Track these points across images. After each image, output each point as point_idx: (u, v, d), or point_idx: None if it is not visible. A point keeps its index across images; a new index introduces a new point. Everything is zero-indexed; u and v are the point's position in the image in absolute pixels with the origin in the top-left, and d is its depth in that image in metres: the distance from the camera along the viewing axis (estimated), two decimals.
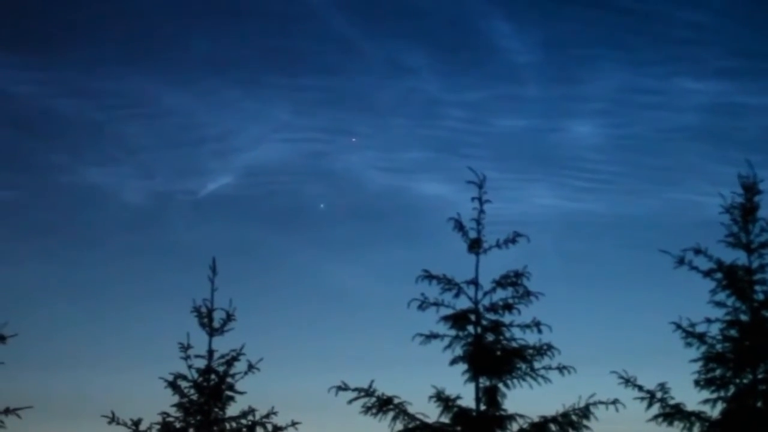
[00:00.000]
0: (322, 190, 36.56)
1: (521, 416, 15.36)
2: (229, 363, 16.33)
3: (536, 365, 15.43)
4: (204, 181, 36.30)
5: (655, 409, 15.92)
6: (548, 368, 15.39)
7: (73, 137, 36.83)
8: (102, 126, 36.47)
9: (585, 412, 15.24)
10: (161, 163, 36.83)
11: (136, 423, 15.90)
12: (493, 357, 15.46)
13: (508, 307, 15.58)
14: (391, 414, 15.35)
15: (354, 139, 36.42)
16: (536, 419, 15.32)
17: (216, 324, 16.53)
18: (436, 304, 15.59)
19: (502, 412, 15.38)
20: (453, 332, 15.60)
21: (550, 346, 15.39)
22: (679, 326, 16.09)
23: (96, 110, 36.30)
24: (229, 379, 16.31)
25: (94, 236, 35.46)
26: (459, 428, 15.31)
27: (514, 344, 15.52)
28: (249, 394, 16.39)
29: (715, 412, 15.83)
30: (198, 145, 37.05)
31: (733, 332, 15.99)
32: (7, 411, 15.88)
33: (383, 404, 15.37)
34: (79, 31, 35.98)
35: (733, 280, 16.03)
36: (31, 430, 16.56)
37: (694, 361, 15.98)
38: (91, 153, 37.05)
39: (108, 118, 36.31)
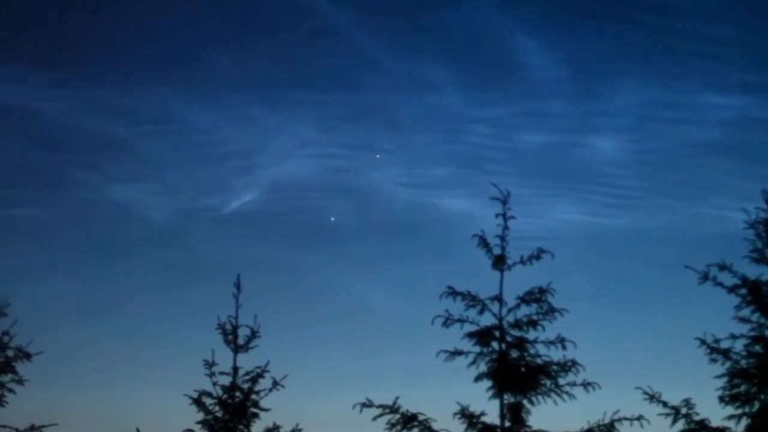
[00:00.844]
0: (346, 207, 36.67)
1: None
2: (254, 380, 16.42)
3: (561, 381, 15.44)
4: (228, 197, 36.42)
5: (680, 425, 15.85)
6: (573, 384, 15.39)
7: (97, 154, 37.16)
8: (126, 143, 36.87)
9: (610, 428, 15.21)
10: (185, 179, 37.06)
11: None
12: (517, 373, 15.48)
13: (533, 324, 15.60)
14: (415, 431, 15.36)
15: (378, 155, 36.55)
16: None
17: (241, 341, 16.63)
18: (460, 320, 15.64)
19: (527, 429, 15.39)
20: (477, 349, 15.64)
21: (574, 363, 15.39)
22: (703, 342, 16.08)
23: (120, 127, 36.71)
24: (253, 396, 16.39)
25: (119, 253, 35.62)
26: None
27: (538, 361, 15.54)
28: (274, 411, 16.50)
29: (740, 427, 15.77)
30: (222, 162, 37.27)
31: (757, 348, 15.96)
32: (32, 428, 16.24)
33: (408, 421, 15.40)
34: (103, 48, 36.42)
35: (758, 295, 16.03)
36: None
37: (719, 377, 15.94)
38: (116, 170, 37.30)
39: (132, 134, 36.66)
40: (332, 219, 35.92)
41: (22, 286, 29.39)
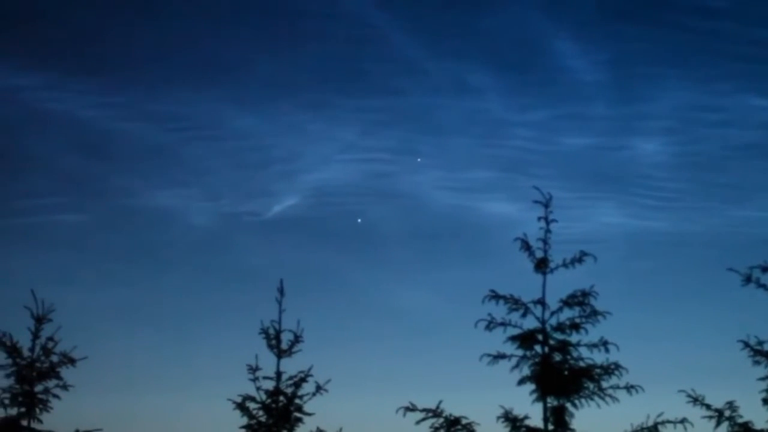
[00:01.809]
0: (388, 211, 36.84)
1: None
2: (297, 384, 16.49)
3: (604, 385, 15.46)
4: (270, 202, 36.57)
5: (724, 428, 15.81)
6: (616, 387, 15.40)
7: (140, 160, 37.35)
8: (169, 149, 37.18)
9: (653, 431, 15.25)
10: (227, 185, 37.34)
11: None
12: (560, 377, 15.54)
13: (576, 327, 15.66)
14: None
15: (419, 159, 36.71)
16: None
17: (284, 345, 16.70)
18: (503, 324, 15.72)
19: None
20: (520, 352, 15.71)
21: (617, 366, 15.42)
22: (746, 344, 16.05)
23: (162, 133, 36.96)
24: (297, 401, 16.46)
25: (161, 259, 35.85)
26: None
27: (581, 364, 15.58)
28: (317, 416, 16.54)
29: None
30: (264, 167, 37.49)
31: None
32: None
33: (451, 425, 15.46)
34: (145, 55, 36.71)
35: None
36: None
37: (762, 379, 15.92)
38: (158, 176, 37.58)
39: (174, 140, 36.95)
40: (359, 221, 36.12)
41: (65, 292, 29.77)
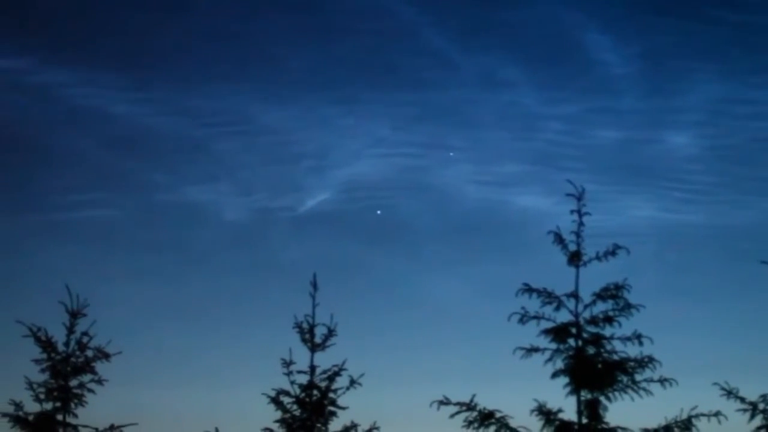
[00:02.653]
0: (419, 205, 37.22)
1: (623, 429, 15.47)
2: (331, 378, 16.56)
3: (637, 378, 15.53)
4: (302, 197, 37.00)
5: (758, 420, 15.79)
6: (650, 381, 15.48)
7: (173, 156, 37.94)
8: (201, 144, 37.61)
9: (687, 424, 15.30)
10: (260, 180, 37.71)
11: None
12: (594, 370, 15.60)
13: (609, 320, 15.72)
14: (493, 428, 15.53)
15: (451, 153, 36.84)
16: None
17: (318, 339, 16.78)
18: (536, 317, 15.81)
19: (604, 425, 15.50)
20: (554, 345, 15.81)
21: (651, 359, 15.48)
22: None
23: (195, 128, 37.45)
24: (331, 395, 16.53)
25: (195, 254, 36.44)
26: None
27: (615, 357, 15.64)
28: (351, 409, 16.61)
29: None
30: (296, 162, 37.90)
31: None
32: (112, 428, 16.39)
33: (485, 418, 15.55)
34: (178, 51, 37.16)
35: None
36: None
37: None
38: (191, 171, 38.14)
39: (207, 136, 37.37)
40: (378, 212, 36.25)
41: (100, 287, 29.85)
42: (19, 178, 36.45)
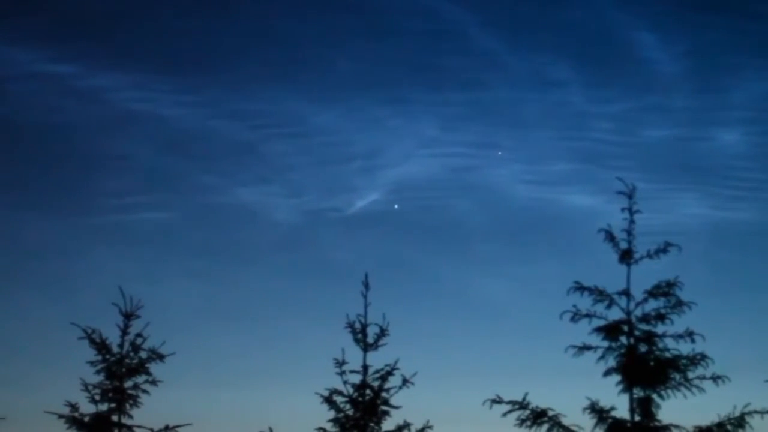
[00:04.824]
0: (470, 205, 37.56)
1: (676, 427, 15.59)
2: (384, 378, 16.70)
3: (690, 375, 15.64)
4: (352, 198, 37.49)
5: None
6: (702, 378, 15.58)
7: (224, 158, 38.60)
8: (252, 146, 38.26)
9: (740, 421, 15.38)
10: (310, 181, 38.27)
11: None
12: (646, 368, 15.71)
13: (661, 318, 15.84)
14: (545, 426, 15.70)
15: (500, 153, 37.02)
16: (691, 430, 15.53)
17: (370, 339, 16.94)
18: (588, 315, 15.97)
19: (657, 423, 15.61)
20: (606, 343, 15.96)
21: (703, 356, 15.58)
22: None
23: (246, 131, 38.06)
24: (384, 394, 16.67)
25: (247, 255, 36.93)
26: None
27: (667, 354, 15.76)
28: (404, 409, 16.75)
29: None
30: (346, 163, 38.41)
31: None
32: (167, 428, 16.55)
33: (537, 416, 15.70)
34: (229, 54, 37.71)
35: None
36: None
37: None
38: (242, 173, 38.77)
39: (258, 138, 38.02)
40: (396, 206, 36.48)
41: (153, 289, 30.44)
42: (72, 181, 37.39)
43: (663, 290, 15.89)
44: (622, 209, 16.23)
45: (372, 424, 16.59)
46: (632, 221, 16.20)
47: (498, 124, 37.65)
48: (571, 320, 15.98)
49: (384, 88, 37.54)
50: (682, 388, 15.72)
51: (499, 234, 36.71)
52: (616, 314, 16.02)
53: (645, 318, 15.94)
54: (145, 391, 16.87)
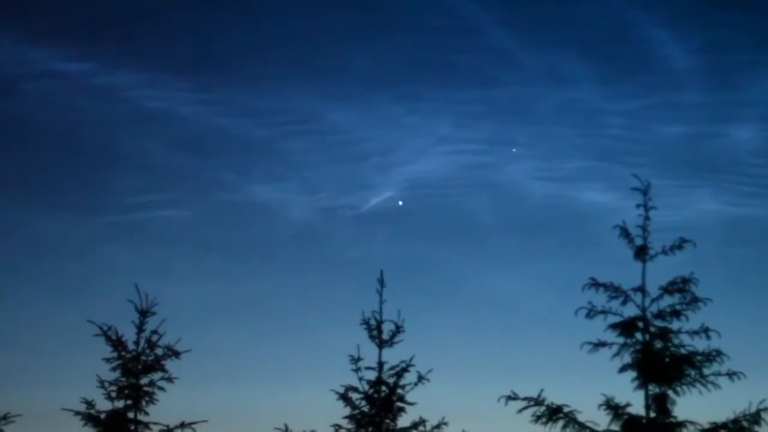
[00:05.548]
0: (485, 202, 37.70)
1: (692, 423, 15.56)
2: (399, 374, 16.77)
3: (705, 371, 15.62)
4: (367, 195, 37.68)
5: None
6: (718, 374, 15.56)
7: (239, 156, 38.83)
8: (267, 144, 38.54)
9: (756, 417, 15.36)
10: (325, 178, 38.58)
11: None
12: (662, 364, 15.72)
13: (676, 314, 15.83)
14: (561, 423, 15.70)
15: (514, 150, 37.06)
16: (707, 426, 15.50)
17: (385, 336, 17.01)
18: (603, 311, 15.97)
19: (672, 419, 15.61)
20: (621, 340, 15.95)
21: (719, 352, 15.55)
22: None
23: (261, 128, 38.28)
24: (399, 391, 16.74)
25: (262, 252, 37.34)
26: None
27: (682, 351, 15.75)
28: (419, 405, 16.82)
29: None
30: (361, 160, 38.63)
31: None
32: (182, 425, 16.65)
33: (553, 413, 15.73)
34: (244, 52, 37.97)
35: None
36: None
37: None
38: (257, 170, 39.07)
39: (273, 135, 38.24)
40: (400, 203, 36.57)
41: (169, 286, 30.52)
42: (87, 179, 37.69)
43: (678, 286, 15.89)
44: (637, 206, 16.25)
45: (387, 421, 16.69)
46: (647, 217, 16.22)
47: (512, 122, 37.87)
48: (587, 317, 16.00)
49: (399, 86, 37.87)
50: (698, 385, 15.70)
51: (514, 231, 36.89)
52: (631, 311, 16.05)
53: (660, 314, 15.93)
54: (160, 388, 16.99)
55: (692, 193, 35.53)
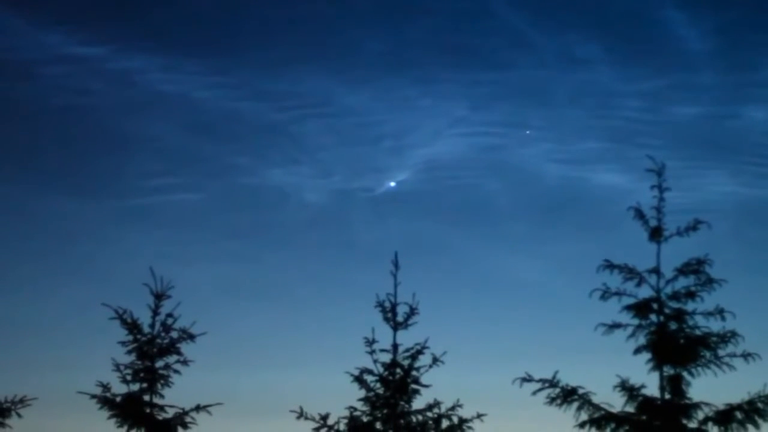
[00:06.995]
0: (499, 184, 37.64)
1: (706, 404, 15.61)
2: (414, 357, 16.73)
3: (720, 353, 15.69)
4: (382, 178, 37.57)
5: None
6: (732, 356, 15.62)
7: (253, 139, 38.71)
8: (281, 127, 38.22)
9: None
10: (340, 161, 38.35)
11: (324, 418, 16.44)
12: (676, 345, 15.77)
13: (691, 295, 15.88)
14: (575, 404, 15.80)
15: (528, 132, 37.07)
16: (721, 407, 15.54)
17: (400, 318, 16.95)
18: (618, 293, 16.03)
19: (687, 401, 15.68)
20: (636, 321, 16.02)
21: (734, 334, 15.61)
22: None
23: (276, 112, 38.04)
24: (414, 373, 16.69)
25: (277, 236, 37.27)
26: (644, 417, 15.63)
27: (697, 332, 15.80)
28: (434, 387, 16.78)
29: None
30: (375, 143, 38.46)
31: None
32: (198, 408, 16.69)
33: (568, 395, 15.82)
34: (257, 34, 37.90)
35: None
36: (222, 426, 17.38)
37: None
38: (272, 154, 38.88)
39: (287, 119, 38.01)
40: (392, 184, 36.68)
41: (184, 270, 30.70)
42: (102, 163, 37.91)
43: (693, 268, 15.93)
44: (652, 187, 16.30)
45: (402, 403, 16.66)
46: (662, 199, 16.25)
47: (527, 104, 37.71)
48: (601, 298, 16.07)
49: (413, 68, 37.76)
50: (713, 366, 15.77)
51: (529, 213, 36.91)
52: (646, 292, 16.11)
53: (675, 296, 15.98)
54: (176, 371, 17.02)
55: (707, 175, 35.46)
